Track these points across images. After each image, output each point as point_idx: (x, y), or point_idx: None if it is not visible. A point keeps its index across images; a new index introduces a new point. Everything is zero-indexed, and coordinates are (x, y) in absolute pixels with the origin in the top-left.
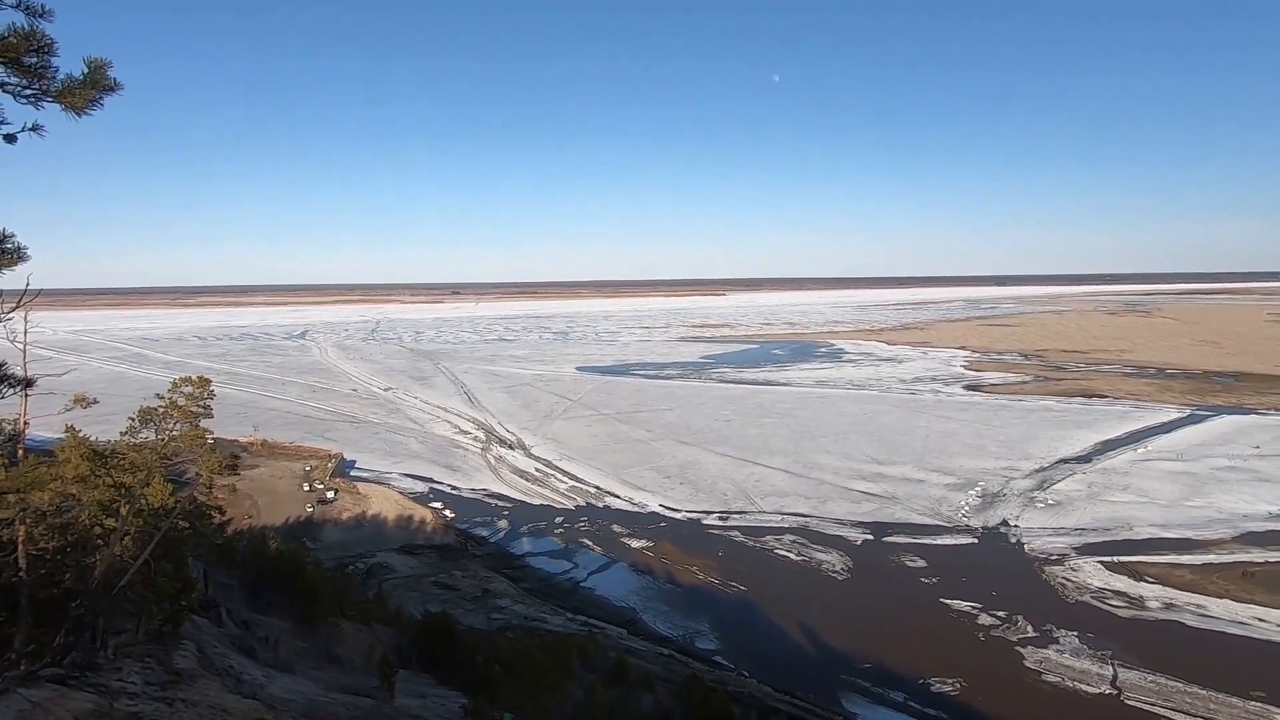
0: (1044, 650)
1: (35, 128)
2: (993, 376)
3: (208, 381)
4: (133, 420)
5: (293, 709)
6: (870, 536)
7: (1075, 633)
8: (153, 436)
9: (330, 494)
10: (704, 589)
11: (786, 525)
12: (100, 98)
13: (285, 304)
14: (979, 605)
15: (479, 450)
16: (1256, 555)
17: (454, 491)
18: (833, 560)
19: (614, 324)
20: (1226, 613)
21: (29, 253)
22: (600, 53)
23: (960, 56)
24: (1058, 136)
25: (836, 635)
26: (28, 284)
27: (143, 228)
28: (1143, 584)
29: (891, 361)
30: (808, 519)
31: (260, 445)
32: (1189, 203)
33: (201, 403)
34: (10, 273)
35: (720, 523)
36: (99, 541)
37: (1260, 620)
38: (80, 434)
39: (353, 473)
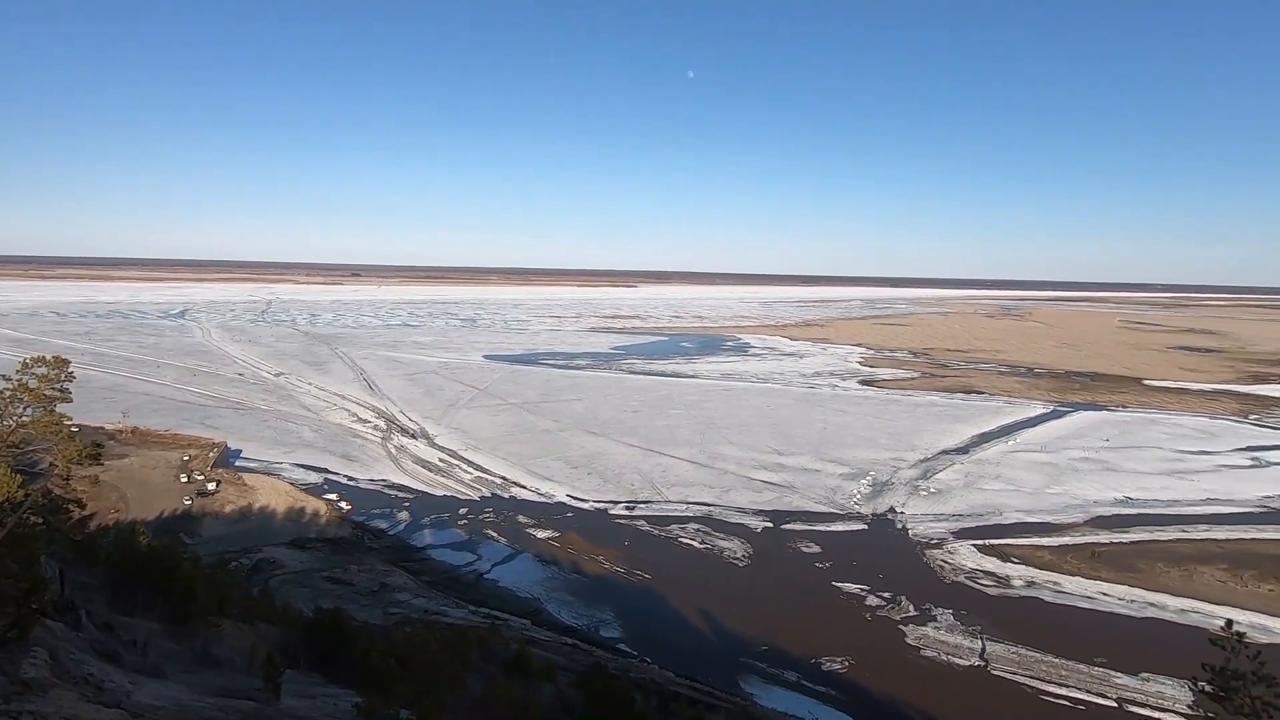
0: (923, 628)
1: None
2: (885, 373)
3: (65, 362)
4: None
5: (161, 716)
6: (770, 524)
7: (950, 610)
8: None
9: (211, 485)
10: (609, 578)
11: (691, 514)
12: None
13: (161, 280)
14: (867, 587)
15: (379, 439)
16: (1104, 537)
17: (351, 482)
18: (734, 548)
19: (523, 312)
20: (1078, 589)
21: None
22: (521, 20)
23: (862, 65)
24: (945, 151)
25: (736, 620)
26: None
27: None
28: (1009, 564)
29: (794, 356)
30: (711, 508)
31: (130, 433)
32: (1056, 217)
33: (57, 385)
34: None
35: (627, 512)
36: None
37: (1105, 595)
38: None
39: (238, 463)
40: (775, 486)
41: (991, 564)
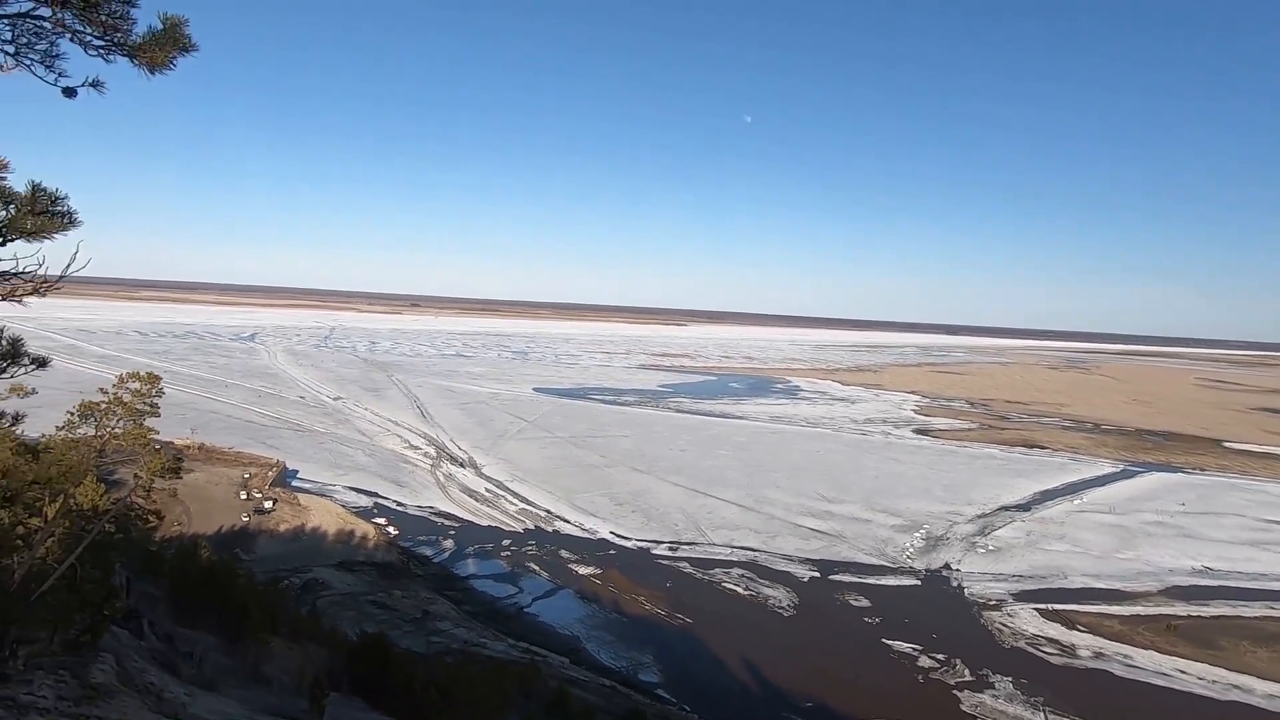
0: (980, 695)
1: (96, 84)
2: (941, 422)
3: (157, 379)
4: (71, 414)
5: None
6: (817, 574)
7: (1010, 678)
8: (91, 433)
9: (268, 504)
10: (650, 620)
11: (735, 559)
12: (175, 58)
13: (235, 304)
14: (919, 647)
15: (428, 467)
16: (1180, 609)
17: (399, 508)
18: (780, 596)
19: (574, 347)
20: (1151, 664)
21: (80, 218)
22: (576, 53)
23: (928, 100)
24: (1013, 198)
25: (780, 672)
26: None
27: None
28: (1075, 632)
29: (845, 401)
30: (757, 553)
31: (197, 449)
32: (1128, 269)
33: (149, 400)
34: (52, 240)
35: (670, 553)
36: (18, 542)
37: (1182, 672)
38: (6, 426)
39: (294, 483)
40: (824, 535)
41: (1055, 630)
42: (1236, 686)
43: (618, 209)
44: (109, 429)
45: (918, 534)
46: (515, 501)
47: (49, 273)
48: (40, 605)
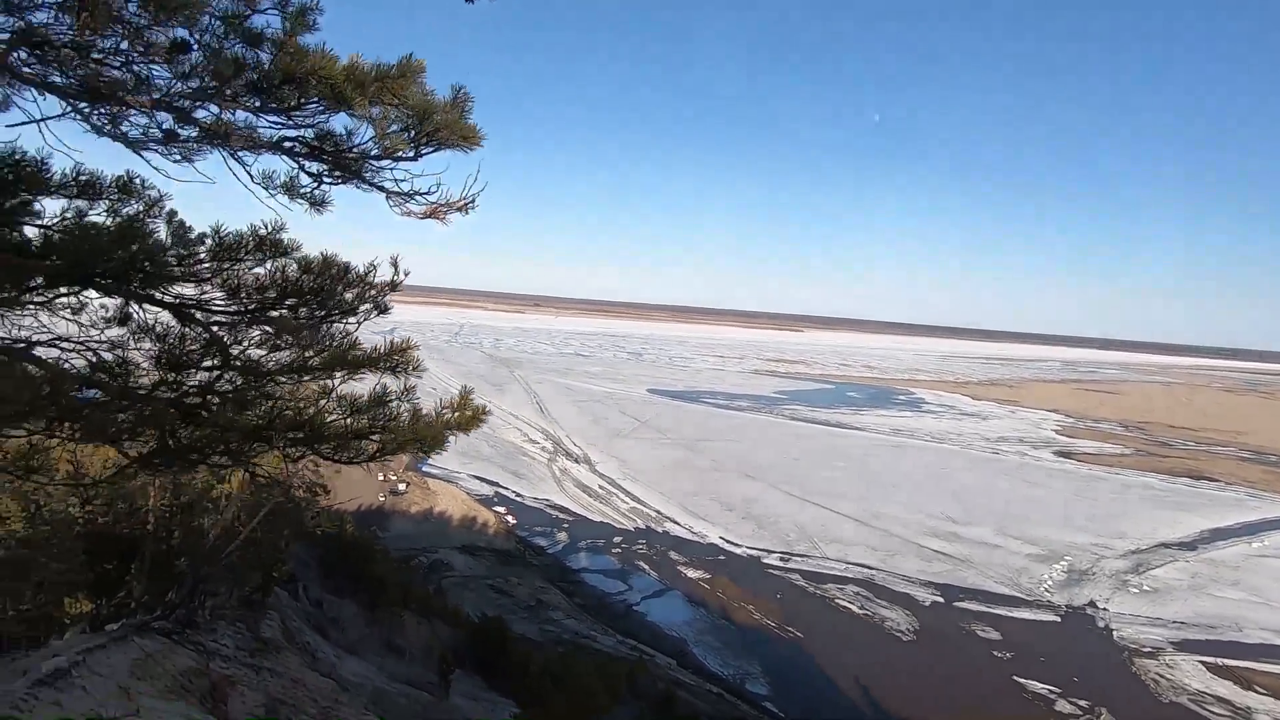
0: None
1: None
2: (1087, 444)
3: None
4: None
5: (363, 693)
6: (940, 599)
7: None
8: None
9: (402, 486)
10: (759, 630)
11: (850, 575)
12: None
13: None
14: (1057, 690)
15: (545, 460)
16: None
17: (517, 498)
18: (897, 618)
19: (687, 350)
20: None
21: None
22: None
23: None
24: (1184, 189)
25: (895, 699)
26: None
27: None
28: (1251, 693)
29: (975, 417)
30: (873, 571)
31: None
32: None
33: None
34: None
35: (780, 563)
36: (208, 505)
37: None
38: None
39: (424, 468)
40: (948, 558)
41: (1225, 689)
42: None
43: (738, 212)
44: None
45: (1057, 565)
46: (627, 500)
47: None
48: (229, 563)
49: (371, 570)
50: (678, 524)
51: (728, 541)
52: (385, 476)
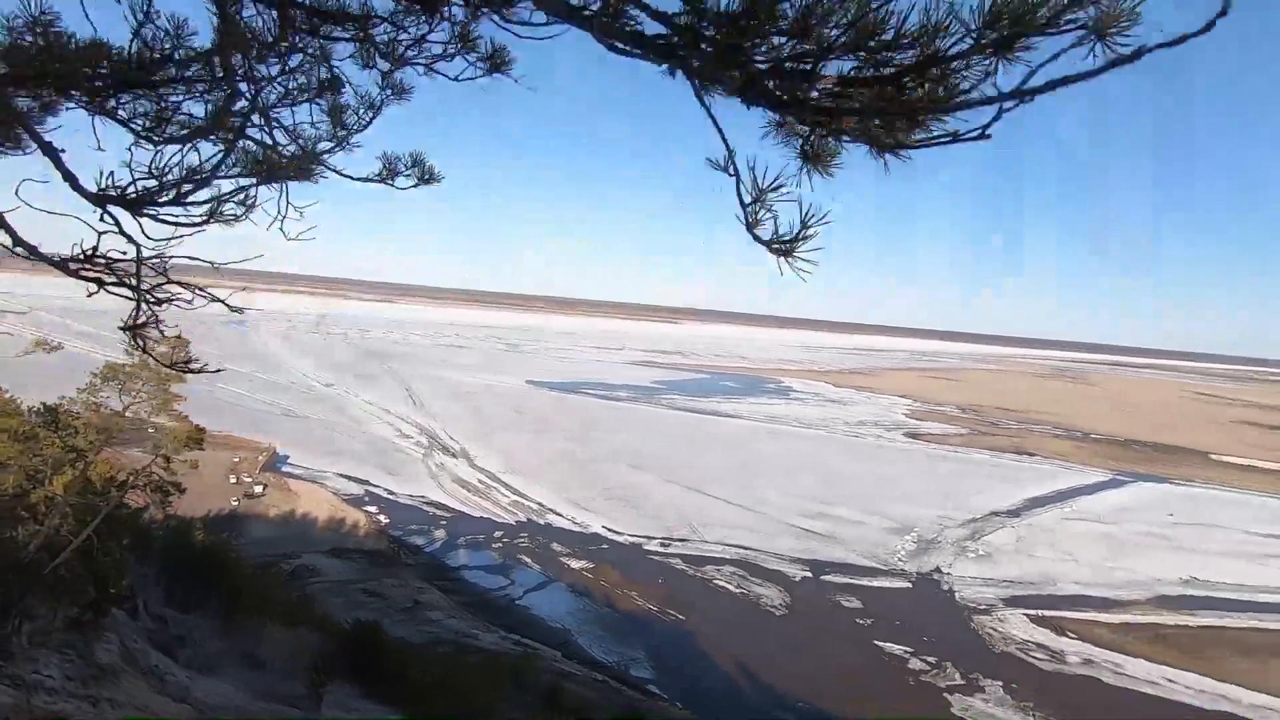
0: (970, 699)
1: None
2: (932, 426)
3: (185, 342)
4: (94, 377)
5: (223, 716)
6: (809, 574)
7: (1000, 683)
8: (114, 398)
9: (258, 488)
10: (642, 615)
11: (728, 556)
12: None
13: (225, 286)
14: (910, 649)
15: (420, 456)
16: (1169, 619)
17: (390, 496)
18: (772, 595)
19: (568, 341)
20: (1141, 672)
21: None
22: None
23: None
24: (1013, 207)
25: (772, 671)
26: None
27: None
28: (1064, 639)
29: (838, 403)
30: (749, 551)
31: None
32: (1122, 278)
33: (176, 363)
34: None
35: (662, 549)
36: (24, 514)
37: (1170, 681)
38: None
39: (284, 468)
40: (816, 535)
41: (1045, 636)
42: (1224, 696)
43: (613, 206)
44: (134, 393)
45: (909, 537)
46: (507, 493)
47: None
48: (54, 580)
49: (226, 580)
50: (560, 515)
51: (610, 530)
52: (239, 478)
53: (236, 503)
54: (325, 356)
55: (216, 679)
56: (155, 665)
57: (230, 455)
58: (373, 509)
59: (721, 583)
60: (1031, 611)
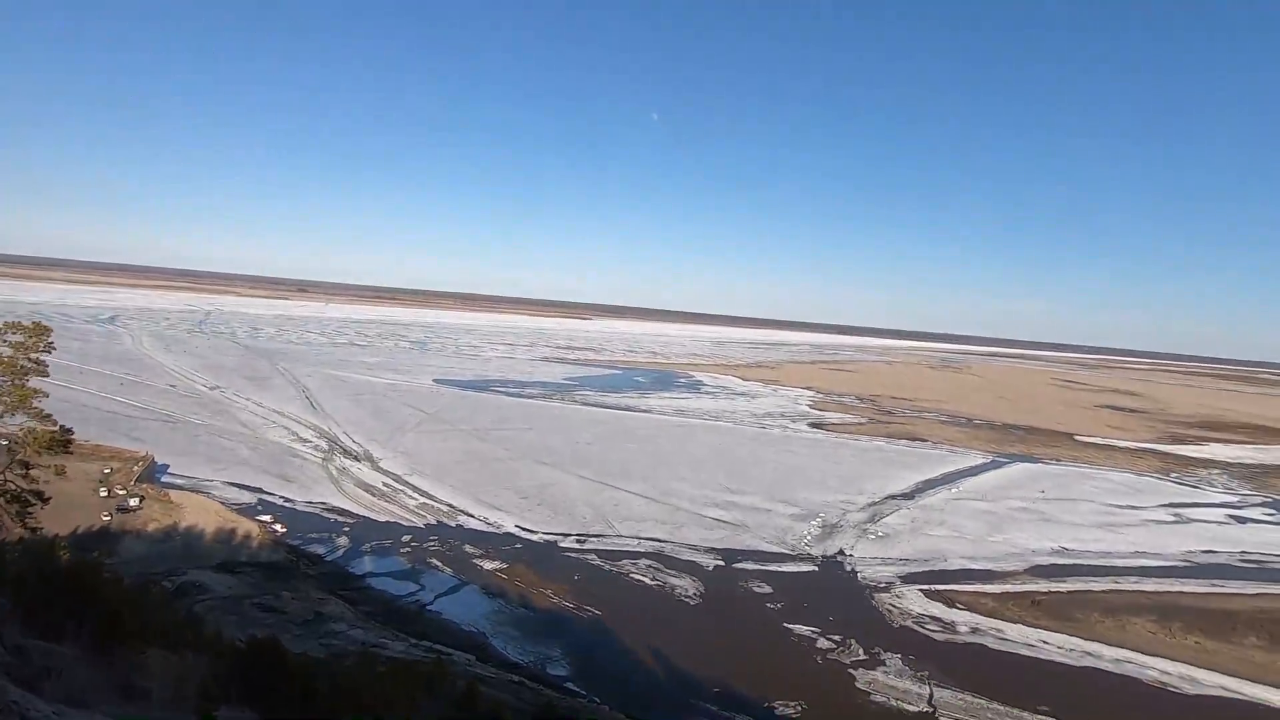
0: (873, 672)
1: None
2: (834, 416)
3: (46, 330)
4: None
5: None
6: (722, 562)
7: (899, 655)
8: None
9: (133, 501)
10: (558, 613)
11: (642, 550)
12: None
13: (91, 283)
14: (818, 630)
15: (319, 460)
16: (1042, 585)
17: (287, 504)
18: (686, 585)
19: (476, 338)
20: (1020, 636)
21: None
22: (489, 37)
23: (819, 114)
24: (894, 210)
25: (688, 660)
26: None
27: None
28: (954, 610)
29: (745, 396)
30: (663, 544)
31: None
32: (993, 279)
33: (34, 356)
34: None
35: (577, 546)
36: None
37: (1045, 643)
38: None
39: (164, 479)
40: (727, 525)
41: (938, 609)
42: (1089, 654)
43: (518, 199)
44: None
45: (814, 522)
46: (415, 496)
47: None
48: None
49: (98, 604)
50: (471, 516)
51: (523, 529)
52: (110, 491)
53: (108, 517)
54: (210, 357)
55: (89, 712)
56: (14, 701)
57: (100, 466)
58: (267, 518)
59: (637, 576)
60: (925, 587)
